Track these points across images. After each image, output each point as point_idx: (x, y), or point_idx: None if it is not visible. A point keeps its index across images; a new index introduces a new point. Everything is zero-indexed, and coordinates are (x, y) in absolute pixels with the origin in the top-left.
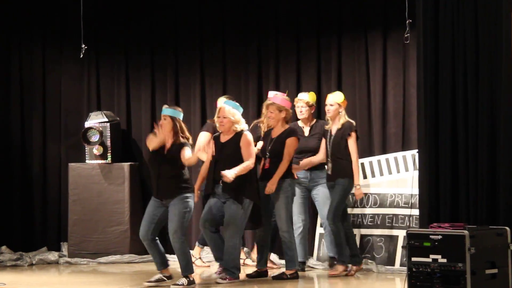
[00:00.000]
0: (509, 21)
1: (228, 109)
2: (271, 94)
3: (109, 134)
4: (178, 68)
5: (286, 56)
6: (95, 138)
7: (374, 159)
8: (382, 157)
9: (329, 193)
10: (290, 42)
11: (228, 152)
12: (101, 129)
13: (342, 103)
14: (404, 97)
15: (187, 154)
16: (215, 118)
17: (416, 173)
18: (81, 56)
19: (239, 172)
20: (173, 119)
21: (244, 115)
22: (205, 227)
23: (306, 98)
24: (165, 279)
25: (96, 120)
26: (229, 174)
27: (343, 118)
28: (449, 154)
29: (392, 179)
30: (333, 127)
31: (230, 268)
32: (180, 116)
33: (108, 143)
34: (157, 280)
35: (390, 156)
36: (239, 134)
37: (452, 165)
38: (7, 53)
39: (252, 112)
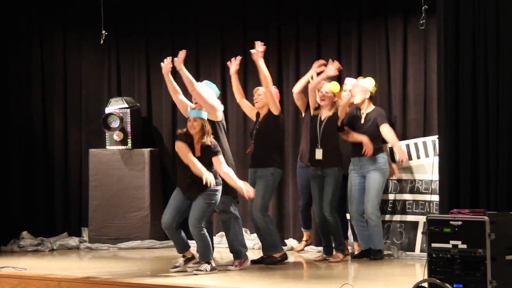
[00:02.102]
0: None
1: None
2: None
3: (130, 120)
4: (198, 53)
5: (306, 41)
6: (115, 124)
7: None
8: (403, 143)
9: (316, 181)
10: (311, 27)
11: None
12: (121, 115)
13: (338, 94)
14: (425, 83)
15: (224, 168)
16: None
17: (437, 159)
18: (102, 41)
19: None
20: (202, 120)
21: None
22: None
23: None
24: (188, 260)
25: (116, 106)
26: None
27: (335, 108)
28: (470, 140)
29: (413, 165)
30: (324, 113)
31: (237, 248)
32: (206, 115)
33: (129, 129)
34: (181, 264)
35: (411, 142)
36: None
37: (473, 151)
38: (28, 39)
39: None
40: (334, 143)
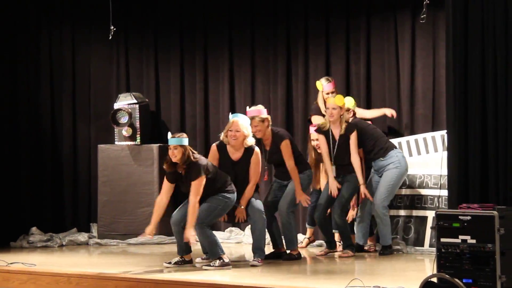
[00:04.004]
0: None
1: (242, 123)
2: (248, 111)
3: (138, 115)
4: (207, 49)
5: (315, 37)
6: (124, 119)
7: (403, 139)
8: (411, 138)
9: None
10: (319, 23)
11: (241, 172)
12: (130, 110)
13: (343, 106)
14: (434, 77)
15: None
16: (227, 132)
17: (445, 153)
18: (110, 37)
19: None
20: (183, 147)
21: (273, 96)
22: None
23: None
24: (184, 263)
25: (125, 102)
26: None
27: (345, 123)
28: (479, 134)
29: (421, 160)
30: (335, 131)
31: (261, 246)
32: (186, 142)
33: (137, 124)
34: (176, 263)
35: (419, 136)
36: (250, 151)
37: (482, 145)
38: (37, 35)
39: (281, 93)
40: (347, 160)
